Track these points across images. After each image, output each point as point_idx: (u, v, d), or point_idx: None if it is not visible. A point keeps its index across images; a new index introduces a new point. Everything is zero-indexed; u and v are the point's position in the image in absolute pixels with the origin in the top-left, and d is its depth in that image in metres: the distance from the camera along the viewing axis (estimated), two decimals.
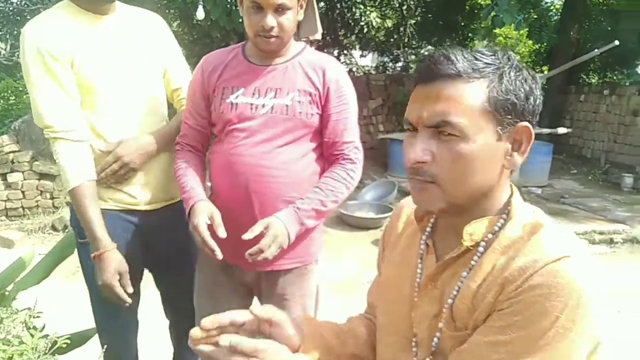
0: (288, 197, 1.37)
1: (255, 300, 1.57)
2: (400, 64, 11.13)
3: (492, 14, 4.81)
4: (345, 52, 11.08)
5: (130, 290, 1.39)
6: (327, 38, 9.01)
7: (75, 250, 1.56)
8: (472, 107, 0.72)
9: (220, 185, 1.43)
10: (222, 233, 1.29)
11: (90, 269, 1.44)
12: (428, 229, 0.87)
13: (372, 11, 10.45)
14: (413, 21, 10.48)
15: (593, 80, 9.72)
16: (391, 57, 11.12)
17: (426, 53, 11.41)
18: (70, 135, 1.36)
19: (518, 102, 0.74)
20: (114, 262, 1.36)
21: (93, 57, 1.40)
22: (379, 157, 6.93)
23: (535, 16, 8.39)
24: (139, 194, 1.49)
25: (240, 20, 3.91)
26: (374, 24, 10.57)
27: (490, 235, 0.77)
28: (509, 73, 0.74)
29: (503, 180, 0.78)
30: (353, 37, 10.78)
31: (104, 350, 1.32)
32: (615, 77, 9.90)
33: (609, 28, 7.73)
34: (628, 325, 2.74)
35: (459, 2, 8.06)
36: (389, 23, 10.99)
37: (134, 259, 1.46)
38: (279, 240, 1.30)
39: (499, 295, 0.70)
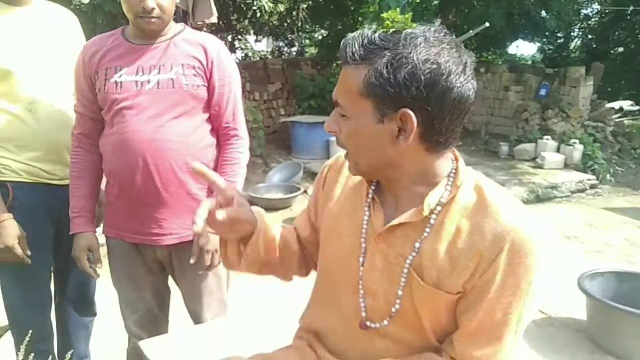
0: (187, 167, 1.42)
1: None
2: (295, 48, 11.24)
3: None
4: (239, 37, 10.94)
5: (29, 253, 1.48)
6: (220, 23, 8.80)
7: None
8: (351, 91, 0.80)
9: (116, 168, 1.43)
10: (99, 266, 1.52)
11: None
12: (373, 185, 0.94)
13: None
14: (305, 5, 10.63)
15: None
16: (286, 41, 11.19)
17: (319, 37, 11.67)
18: None
19: (391, 89, 0.76)
20: (12, 228, 1.45)
21: (8, 46, 1.45)
22: (283, 140, 7.02)
23: (418, 1, 8.95)
24: (54, 170, 1.57)
25: None
26: (267, 8, 10.53)
27: (442, 200, 0.85)
28: (391, 60, 0.76)
29: (410, 154, 0.82)
30: (246, 22, 10.66)
31: (27, 337, 1.29)
32: (489, 57, 10.94)
33: (481, 12, 8.49)
34: None
35: None
36: (281, 7, 11.02)
37: (44, 230, 1.58)
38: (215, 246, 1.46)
39: (480, 261, 0.81)
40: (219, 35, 8.87)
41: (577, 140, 6.27)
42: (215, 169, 1.49)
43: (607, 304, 2.39)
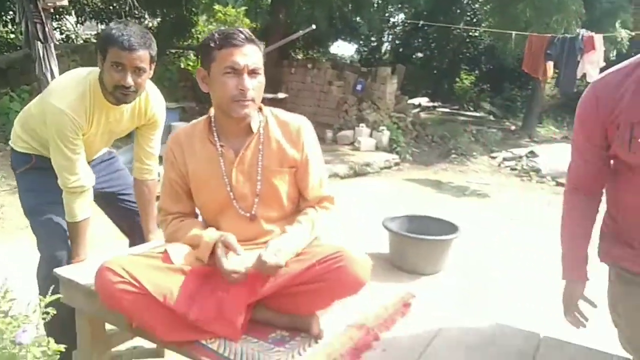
0: None
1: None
2: None
3: None
4: (56, 16, 10.15)
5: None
6: None
7: None
8: (260, 58, 1.41)
9: None
10: None
11: (27, 191, 1.91)
12: (216, 138, 1.45)
13: None
14: None
15: (300, 57, 11.64)
16: None
17: (151, 24, 11.41)
18: (86, 190, 1.82)
19: None
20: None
21: (102, 133, 1.84)
22: None
23: None
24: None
25: None
26: None
27: (262, 126, 1.45)
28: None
29: None
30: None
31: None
32: (314, 55, 12.08)
33: (308, 14, 9.41)
34: None
35: None
36: None
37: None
38: None
39: (296, 145, 1.46)
40: None
41: (385, 128, 7.57)
42: None
43: (399, 234, 3.30)
